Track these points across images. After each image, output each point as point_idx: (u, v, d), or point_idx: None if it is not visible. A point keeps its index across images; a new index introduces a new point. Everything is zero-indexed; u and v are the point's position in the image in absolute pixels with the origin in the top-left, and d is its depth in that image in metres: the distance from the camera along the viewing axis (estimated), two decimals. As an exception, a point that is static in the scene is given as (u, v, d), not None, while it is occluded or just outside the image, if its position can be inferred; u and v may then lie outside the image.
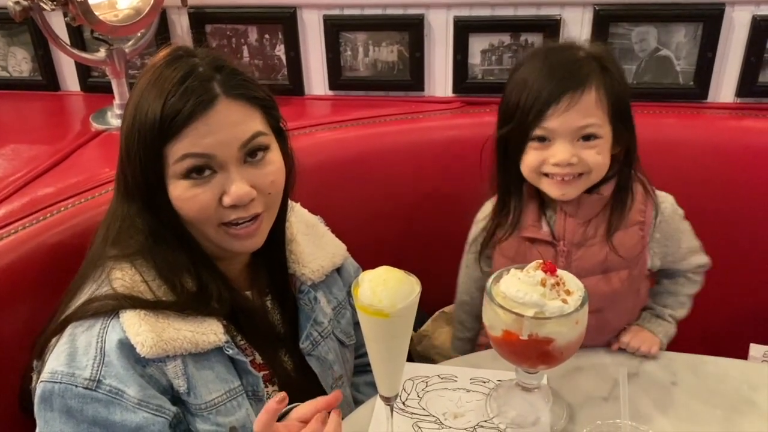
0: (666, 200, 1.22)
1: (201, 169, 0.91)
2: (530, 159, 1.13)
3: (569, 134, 1.10)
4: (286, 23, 1.75)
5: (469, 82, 1.76)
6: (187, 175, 0.91)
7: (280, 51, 1.80)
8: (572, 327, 0.93)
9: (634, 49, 1.66)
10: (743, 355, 1.67)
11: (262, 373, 1.03)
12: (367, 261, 1.64)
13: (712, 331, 1.69)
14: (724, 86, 1.68)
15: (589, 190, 1.16)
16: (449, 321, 1.63)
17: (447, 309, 1.64)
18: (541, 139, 1.11)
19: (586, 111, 1.09)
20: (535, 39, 1.69)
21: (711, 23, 1.60)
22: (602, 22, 1.63)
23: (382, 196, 1.64)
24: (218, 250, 1.01)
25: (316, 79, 1.83)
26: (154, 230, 0.95)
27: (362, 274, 0.83)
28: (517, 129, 1.13)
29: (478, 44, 1.72)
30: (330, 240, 1.22)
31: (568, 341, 0.94)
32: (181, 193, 0.92)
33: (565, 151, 1.09)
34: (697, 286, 1.29)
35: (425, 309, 1.68)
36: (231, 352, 0.97)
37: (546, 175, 1.13)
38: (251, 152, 0.95)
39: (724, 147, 1.61)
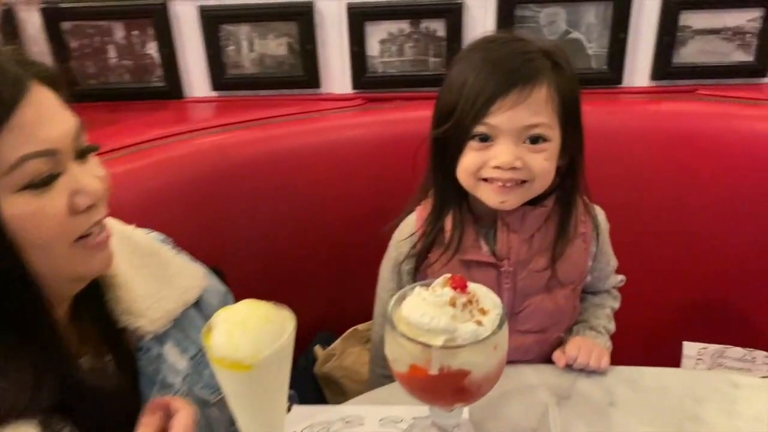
0: (600, 213, 1.12)
1: (43, 173, 0.70)
2: (468, 161, 0.98)
3: (515, 134, 0.95)
4: (157, 17, 1.54)
5: (369, 76, 1.60)
6: (27, 184, 0.69)
7: (152, 49, 1.58)
8: (490, 354, 0.77)
9: (544, 32, 1.54)
10: (677, 353, 1.59)
11: None
12: (262, 284, 1.46)
13: (645, 332, 1.59)
14: (638, 69, 1.58)
15: (532, 203, 1.03)
16: (362, 340, 1.46)
17: (360, 326, 1.47)
18: (483, 138, 0.96)
19: (536, 109, 0.95)
20: (437, 26, 1.54)
21: (620, 2, 1.50)
22: (507, 5, 1.51)
23: (277, 207, 1.45)
24: (63, 285, 0.78)
25: (197, 79, 1.62)
26: None
27: (215, 315, 0.64)
28: (456, 127, 0.97)
29: (375, 34, 1.56)
30: (179, 268, 0.94)
31: (487, 372, 0.77)
32: (23, 209, 0.68)
33: (509, 152, 0.95)
34: (618, 302, 1.21)
35: (336, 328, 1.50)
36: None
37: (485, 180, 0.98)
38: (81, 145, 0.75)
39: (642, 133, 1.51)
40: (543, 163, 0.97)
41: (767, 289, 1.50)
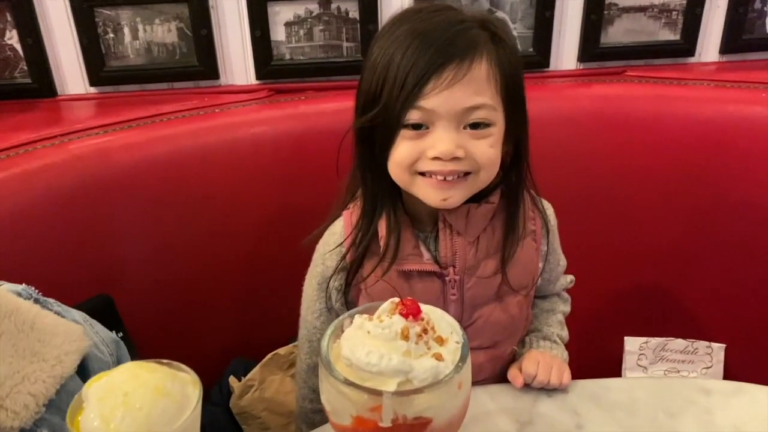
0: (549, 208, 1.00)
1: None
2: (402, 153, 0.83)
3: (454, 118, 0.80)
4: (15, 1, 1.29)
5: (275, 65, 1.42)
6: None
7: (13, 39, 1.33)
8: (454, 395, 0.62)
9: (466, 12, 1.41)
10: (619, 348, 1.52)
11: None
12: (160, 309, 1.23)
13: (584, 329, 1.50)
14: (566, 51, 1.48)
15: (476, 200, 0.88)
16: (284, 366, 1.28)
17: (281, 350, 1.29)
18: (417, 126, 0.81)
19: (477, 87, 0.80)
20: (350, 6, 1.38)
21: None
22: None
23: (173, 219, 1.25)
24: None
25: (71, 73, 1.38)
26: None
27: (86, 386, 0.45)
28: (384, 114, 0.82)
29: (280, 15, 1.37)
30: (48, 330, 0.69)
31: (452, 416, 0.63)
32: None
33: (449, 139, 0.80)
34: (569, 306, 1.10)
35: (253, 354, 1.32)
36: None
37: (422, 174, 0.83)
38: None
39: (572, 119, 1.42)
40: (488, 150, 0.83)
41: (704, 275, 1.45)
